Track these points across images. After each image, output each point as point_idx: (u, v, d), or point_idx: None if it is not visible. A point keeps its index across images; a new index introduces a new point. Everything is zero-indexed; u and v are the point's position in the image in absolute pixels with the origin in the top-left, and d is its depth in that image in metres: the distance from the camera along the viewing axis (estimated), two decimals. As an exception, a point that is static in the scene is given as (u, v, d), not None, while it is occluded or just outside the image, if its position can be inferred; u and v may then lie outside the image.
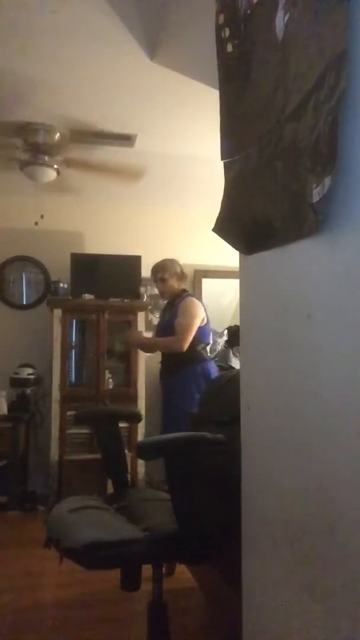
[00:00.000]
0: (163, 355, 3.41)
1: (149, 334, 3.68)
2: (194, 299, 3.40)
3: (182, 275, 3.50)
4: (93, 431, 2.10)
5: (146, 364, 4.12)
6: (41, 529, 1.91)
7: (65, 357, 3.99)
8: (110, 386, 4.07)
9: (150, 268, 4.38)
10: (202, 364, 3.31)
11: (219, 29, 1.38)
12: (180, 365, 3.26)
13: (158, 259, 4.50)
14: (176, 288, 3.43)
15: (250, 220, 1.26)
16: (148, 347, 3.58)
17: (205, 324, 3.35)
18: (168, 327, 3.32)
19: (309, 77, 0.97)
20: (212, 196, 1.76)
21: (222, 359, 4.18)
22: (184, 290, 3.49)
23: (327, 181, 0.92)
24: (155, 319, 4.55)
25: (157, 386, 4.36)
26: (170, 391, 3.31)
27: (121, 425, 2.36)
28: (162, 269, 3.40)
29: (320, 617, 0.99)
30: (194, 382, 3.18)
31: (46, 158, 3.32)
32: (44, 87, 2.76)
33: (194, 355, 3.30)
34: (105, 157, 3.48)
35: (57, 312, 4.00)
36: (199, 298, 4.91)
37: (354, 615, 0.89)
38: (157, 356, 4.45)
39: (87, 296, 4.10)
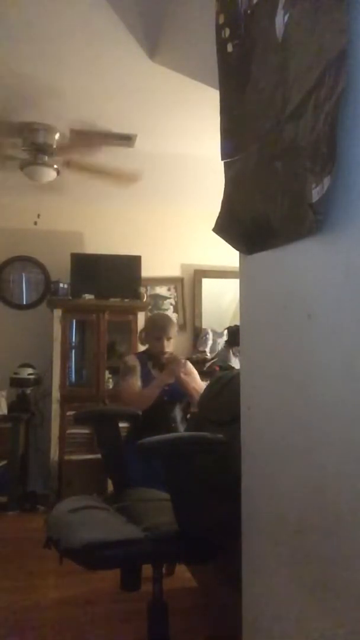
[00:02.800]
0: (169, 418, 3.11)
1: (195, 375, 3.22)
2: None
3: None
4: (93, 431, 2.09)
5: (146, 364, 4.12)
6: (41, 529, 1.91)
7: (65, 357, 3.99)
8: (110, 386, 4.07)
9: (150, 268, 4.41)
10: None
11: (219, 29, 1.38)
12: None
13: (158, 259, 4.54)
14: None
15: (250, 220, 1.26)
16: (184, 386, 3.13)
17: None
18: (177, 389, 3.11)
19: (309, 76, 0.97)
20: (212, 196, 1.76)
21: (222, 359, 4.18)
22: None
23: (327, 181, 0.92)
24: (155, 319, 4.56)
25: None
26: None
27: (121, 425, 2.36)
28: (173, 328, 3.21)
29: (320, 617, 0.99)
30: None
31: (46, 158, 3.32)
32: (44, 87, 2.76)
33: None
34: (105, 158, 3.48)
35: (57, 312, 4.00)
36: (199, 301, 5.01)
37: (354, 615, 0.89)
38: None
39: (87, 296, 4.10)
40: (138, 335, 3.38)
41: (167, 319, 3.31)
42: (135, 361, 3.13)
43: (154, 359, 3.11)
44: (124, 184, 3.66)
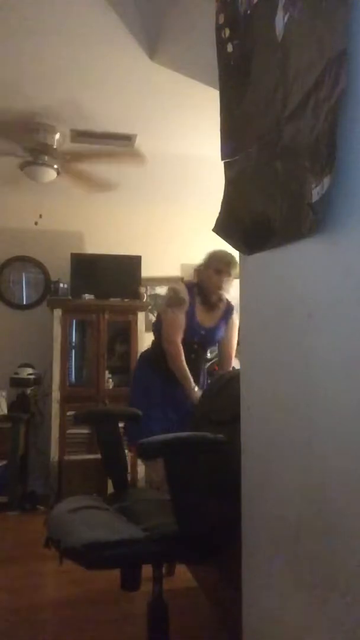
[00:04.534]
0: (192, 362, 2.94)
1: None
2: (235, 312, 3.07)
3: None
4: (93, 431, 2.10)
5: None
6: (41, 529, 1.91)
7: (65, 357, 3.99)
8: (110, 386, 4.07)
9: (150, 268, 4.40)
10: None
11: (219, 29, 1.38)
12: (201, 376, 3.07)
13: (158, 259, 4.53)
14: None
15: (250, 220, 1.26)
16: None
17: None
18: (214, 338, 3.01)
19: (309, 77, 0.97)
20: (212, 196, 1.76)
21: (222, 359, 4.17)
22: (223, 298, 3.02)
23: (327, 181, 0.92)
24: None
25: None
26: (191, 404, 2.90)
27: (121, 425, 2.36)
28: (237, 265, 3.06)
29: (320, 617, 0.99)
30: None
31: (46, 158, 3.32)
32: (44, 87, 2.76)
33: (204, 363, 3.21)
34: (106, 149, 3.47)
35: (57, 312, 4.00)
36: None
37: (355, 615, 0.89)
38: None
39: (87, 296, 4.10)
40: (194, 270, 3.09)
41: (233, 256, 2.88)
42: (186, 294, 2.90)
43: (203, 295, 2.88)
44: (130, 163, 3.61)
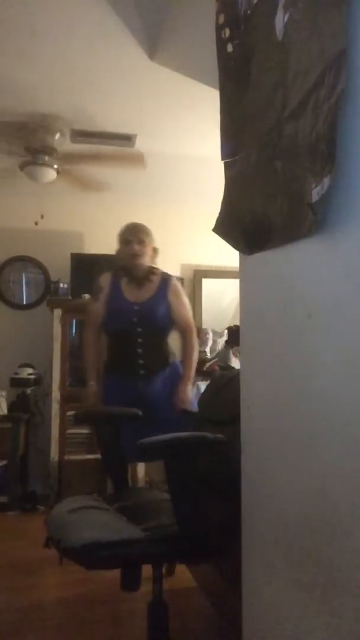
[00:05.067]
0: (140, 349, 2.77)
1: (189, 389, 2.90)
2: (177, 280, 3.00)
3: (156, 251, 2.96)
4: (93, 431, 2.10)
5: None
6: (41, 529, 1.91)
7: (65, 357, 3.99)
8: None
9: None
10: (175, 363, 2.89)
11: (219, 29, 1.38)
12: (165, 361, 2.85)
13: (158, 259, 4.51)
14: (148, 261, 2.89)
15: (250, 220, 1.26)
16: (192, 379, 2.94)
17: None
18: (154, 312, 2.80)
19: (309, 77, 0.97)
20: (212, 196, 1.76)
21: (222, 359, 4.18)
22: (157, 269, 2.94)
23: (327, 181, 0.92)
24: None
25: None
26: (157, 392, 2.78)
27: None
28: (144, 230, 2.86)
29: (320, 617, 0.99)
30: (175, 378, 2.81)
31: (46, 158, 3.33)
32: (44, 87, 2.76)
33: (171, 350, 2.92)
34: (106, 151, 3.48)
35: (57, 312, 4.00)
36: (199, 301, 4.88)
37: (354, 615, 0.89)
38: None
39: (87, 296, 4.09)
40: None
41: (138, 223, 2.90)
42: (106, 280, 2.86)
43: (128, 273, 2.82)
44: (130, 167, 3.61)
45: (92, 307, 2.89)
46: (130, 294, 2.81)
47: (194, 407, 2.71)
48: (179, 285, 2.93)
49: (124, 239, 2.83)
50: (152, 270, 2.88)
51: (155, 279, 2.86)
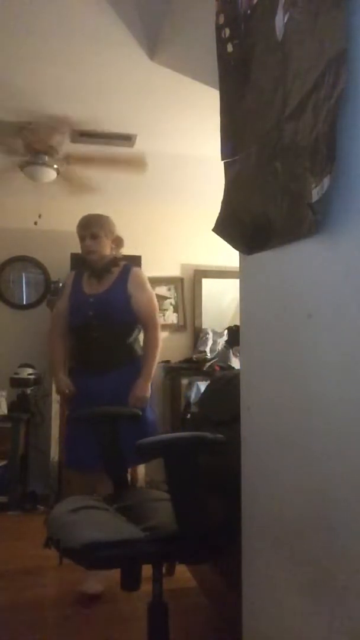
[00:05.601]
0: (95, 345, 2.62)
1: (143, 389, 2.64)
2: (141, 270, 2.83)
3: (118, 240, 2.76)
4: (93, 431, 2.10)
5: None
6: (41, 529, 1.91)
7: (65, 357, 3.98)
8: (110, 386, 4.07)
9: (150, 268, 4.38)
10: (139, 362, 2.67)
11: (219, 29, 1.38)
12: (128, 357, 2.66)
13: (158, 259, 4.53)
14: (108, 253, 2.71)
15: (250, 220, 1.26)
16: (151, 376, 2.68)
17: None
18: (110, 302, 2.63)
19: (309, 77, 0.97)
20: (212, 196, 1.76)
21: (222, 359, 4.18)
22: (120, 259, 2.76)
23: (327, 181, 0.92)
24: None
25: (157, 386, 4.37)
26: (114, 388, 2.58)
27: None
28: (97, 223, 2.70)
29: (320, 617, 0.99)
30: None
31: (46, 158, 3.33)
32: (44, 87, 2.76)
33: (136, 348, 2.71)
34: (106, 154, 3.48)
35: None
36: (199, 301, 4.87)
37: (354, 615, 0.89)
38: (158, 356, 4.47)
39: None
40: None
41: (92, 215, 2.75)
42: (70, 278, 2.80)
43: (89, 267, 2.71)
44: (130, 171, 3.62)
45: (56, 305, 2.83)
46: (89, 287, 2.70)
47: (150, 409, 2.64)
48: (141, 275, 2.73)
49: (78, 235, 2.71)
50: (113, 262, 2.72)
51: (116, 271, 2.70)
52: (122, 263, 2.74)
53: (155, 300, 2.72)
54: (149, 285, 2.72)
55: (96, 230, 2.67)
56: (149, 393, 2.62)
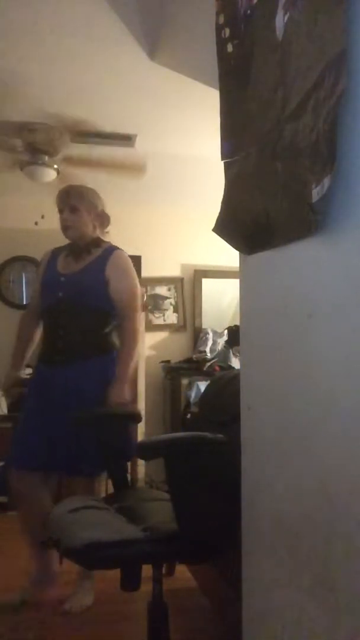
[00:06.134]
0: (61, 331, 2.29)
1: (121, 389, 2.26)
2: (125, 253, 2.43)
3: (103, 218, 2.46)
4: (93, 431, 2.09)
5: (146, 364, 4.12)
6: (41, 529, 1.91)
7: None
8: (110, 386, 4.06)
9: (150, 268, 4.40)
10: (113, 355, 2.31)
11: (219, 29, 1.38)
12: (98, 348, 2.30)
13: (158, 259, 4.53)
14: (90, 231, 2.39)
15: (250, 220, 1.26)
16: (128, 377, 2.29)
17: None
18: (82, 283, 2.29)
19: (309, 76, 0.97)
20: (212, 196, 1.76)
21: (222, 359, 4.18)
22: (103, 241, 2.44)
23: (327, 181, 0.92)
24: (155, 318, 4.56)
25: (158, 386, 4.38)
26: (77, 381, 2.24)
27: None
28: (77, 194, 2.38)
29: (320, 617, 0.99)
30: (110, 374, 2.25)
31: (46, 158, 3.33)
32: (44, 87, 2.76)
33: (111, 340, 2.33)
34: (106, 155, 3.48)
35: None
36: (199, 301, 4.85)
37: (354, 615, 0.89)
38: (158, 356, 4.48)
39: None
40: None
41: (74, 186, 2.48)
42: (46, 257, 2.47)
43: (69, 245, 2.40)
44: (129, 177, 3.62)
45: (32, 288, 2.56)
46: (64, 266, 2.36)
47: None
48: (124, 258, 2.37)
49: (57, 208, 2.39)
50: (95, 242, 2.38)
51: (97, 252, 2.36)
52: (106, 245, 2.41)
53: (138, 288, 2.36)
54: (132, 271, 2.38)
55: (75, 203, 2.34)
56: (126, 397, 2.24)
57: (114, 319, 2.32)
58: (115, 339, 2.33)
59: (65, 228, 2.37)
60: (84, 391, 2.22)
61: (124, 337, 2.29)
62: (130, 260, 2.41)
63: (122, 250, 2.40)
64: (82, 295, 2.27)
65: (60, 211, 2.37)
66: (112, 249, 2.38)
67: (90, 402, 2.19)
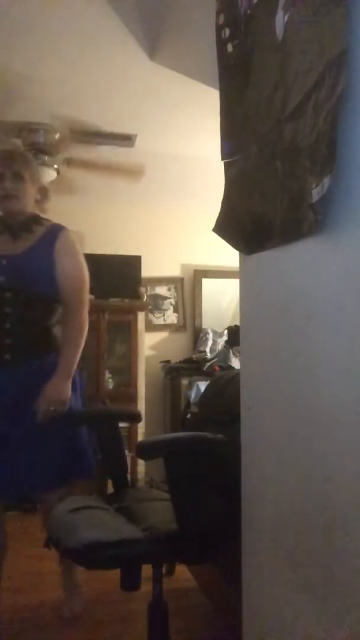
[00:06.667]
0: (7, 324, 1.96)
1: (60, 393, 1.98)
2: (73, 233, 2.15)
3: (44, 191, 2.18)
4: (93, 431, 2.08)
5: (146, 364, 4.12)
6: (41, 529, 1.91)
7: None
8: (110, 386, 4.07)
9: (150, 268, 4.40)
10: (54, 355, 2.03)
11: (219, 29, 1.38)
12: (46, 345, 2.03)
13: (158, 259, 4.53)
14: (31, 206, 2.09)
15: (250, 220, 1.26)
16: (72, 372, 2.05)
17: None
18: (24, 267, 1.97)
19: (309, 77, 0.97)
20: (212, 196, 1.76)
21: (222, 359, 4.18)
22: (44, 218, 2.14)
23: (327, 181, 0.92)
24: (156, 318, 4.56)
25: (158, 386, 4.38)
26: (24, 389, 1.96)
27: (121, 425, 2.35)
28: (23, 160, 2.07)
29: (320, 617, 0.99)
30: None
31: (46, 158, 3.33)
32: (44, 87, 2.76)
33: (55, 333, 2.07)
34: (106, 157, 3.48)
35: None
36: (199, 301, 4.89)
37: (354, 615, 0.89)
38: (158, 356, 4.48)
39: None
40: None
41: (16, 150, 2.23)
42: None
43: (3, 222, 2.06)
44: (128, 179, 3.63)
45: None
46: (2, 246, 2.01)
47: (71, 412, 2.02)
48: (72, 238, 2.10)
49: None
50: (36, 219, 2.08)
51: (40, 230, 2.06)
52: (48, 223, 2.11)
53: (85, 272, 2.08)
54: (82, 255, 2.10)
55: (21, 169, 2.01)
56: (67, 394, 1.97)
57: (59, 308, 2.04)
58: (59, 334, 2.06)
59: (4, 197, 2.00)
60: (28, 401, 1.94)
61: (70, 326, 2.02)
62: (77, 241, 2.14)
63: (69, 229, 2.13)
64: (30, 282, 1.96)
65: (1, 176, 2.00)
66: (58, 228, 2.09)
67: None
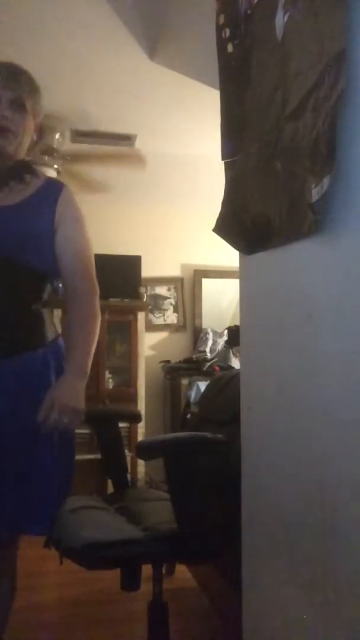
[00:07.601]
0: None
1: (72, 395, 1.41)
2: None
3: (42, 128, 1.70)
4: (93, 431, 2.08)
5: (146, 364, 4.12)
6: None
7: (65, 357, 3.93)
8: (110, 386, 4.07)
9: (150, 268, 4.39)
10: (58, 343, 1.54)
11: (219, 29, 1.38)
12: (33, 336, 1.47)
13: (158, 259, 4.53)
14: (26, 144, 1.57)
15: (250, 220, 1.26)
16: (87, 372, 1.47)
17: None
18: (12, 225, 1.41)
19: (309, 76, 0.97)
20: (212, 196, 1.76)
21: (222, 359, 4.18)
22: (33, 162, 1.61)
23: (326, 181, 0.92)
24: (156, 318, 4.56)
25: (158, 386, 4.37)
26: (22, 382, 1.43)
27: (121, 425, 2.35)
28: (29, 83, 1.61)
29: (320, 617, 0.99)
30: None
31: (46, 158, 3.33)
32: (44, 87, 2.75)
33: (47, 320, 1.53)
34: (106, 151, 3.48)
35: (57, 312, 4.00)
36: (199, 301, 4.90)
37: (354, 615, 0.89)
38: (158, 356, 4.48)
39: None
40: None
41: (17, 67, 1.60)
42: None
43: None
44: (130, 169, 3.60)
45: None
46: None
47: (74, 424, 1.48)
48: (74, 199, 1.62)
49: None
50: (28, 166, 1.55)
51: (35, 183, 1.53)
52: (44, 175, 1.62)
53: (90, 247, 1.61)
54: (84, 226, 1.63)
55: (25, 94, 1.53)
56: (83, 401, 1.43)
57: (46, 285, 1.54)
58: (49, 320, 1.56)
59: (3, 133, 1.45)
60: (29, 399, 1.41)
61: (83, 312, 1.53)
62: (78, 205, 1.65)
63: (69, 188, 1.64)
64: (19, 247, 1.42)
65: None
66: (60, 183, 1.61)
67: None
